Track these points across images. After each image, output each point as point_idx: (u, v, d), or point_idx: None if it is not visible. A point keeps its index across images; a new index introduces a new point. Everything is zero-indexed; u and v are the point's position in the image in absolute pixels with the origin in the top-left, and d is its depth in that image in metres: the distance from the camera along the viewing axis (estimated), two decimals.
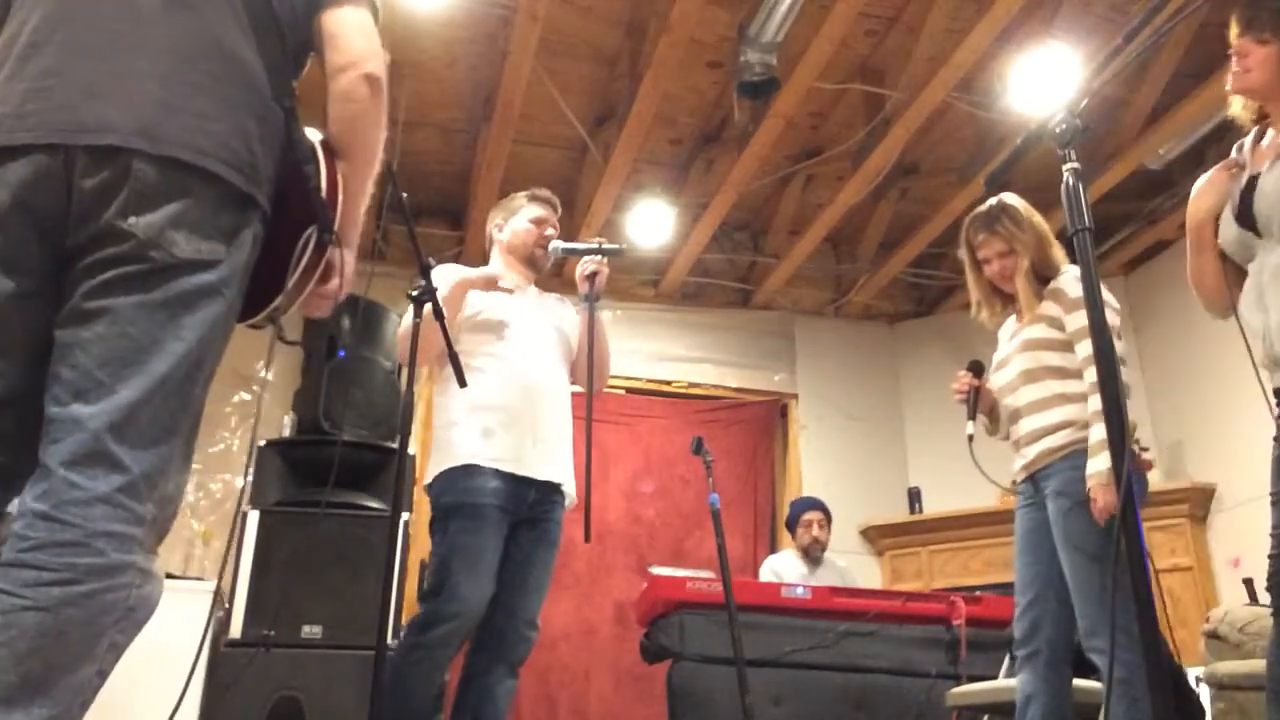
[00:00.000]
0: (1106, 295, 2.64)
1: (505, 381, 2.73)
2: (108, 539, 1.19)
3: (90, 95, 1.29)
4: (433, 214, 5.74)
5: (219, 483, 5.06)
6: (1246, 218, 2.14)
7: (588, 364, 2.87)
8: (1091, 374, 2.53)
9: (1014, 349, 2.79)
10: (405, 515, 4.32)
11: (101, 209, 1.26)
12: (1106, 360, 1.54)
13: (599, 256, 2.89)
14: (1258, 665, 2.58)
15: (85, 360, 1.23)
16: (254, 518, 4.14)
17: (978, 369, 2.87)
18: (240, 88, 1.39)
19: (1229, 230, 2.20)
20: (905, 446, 6.18)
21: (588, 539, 2.70)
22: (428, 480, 2.74)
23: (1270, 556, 2.09)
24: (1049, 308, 2.71)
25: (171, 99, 1.32)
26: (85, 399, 1.22)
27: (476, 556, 2.56)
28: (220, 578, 2.23)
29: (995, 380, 2.86)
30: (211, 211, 1.32)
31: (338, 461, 2.54)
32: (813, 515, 4.69)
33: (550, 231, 2.99)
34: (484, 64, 4.71)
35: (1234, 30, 2.20)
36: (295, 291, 1.49)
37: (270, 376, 5.23)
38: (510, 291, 2.81)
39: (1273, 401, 2.12)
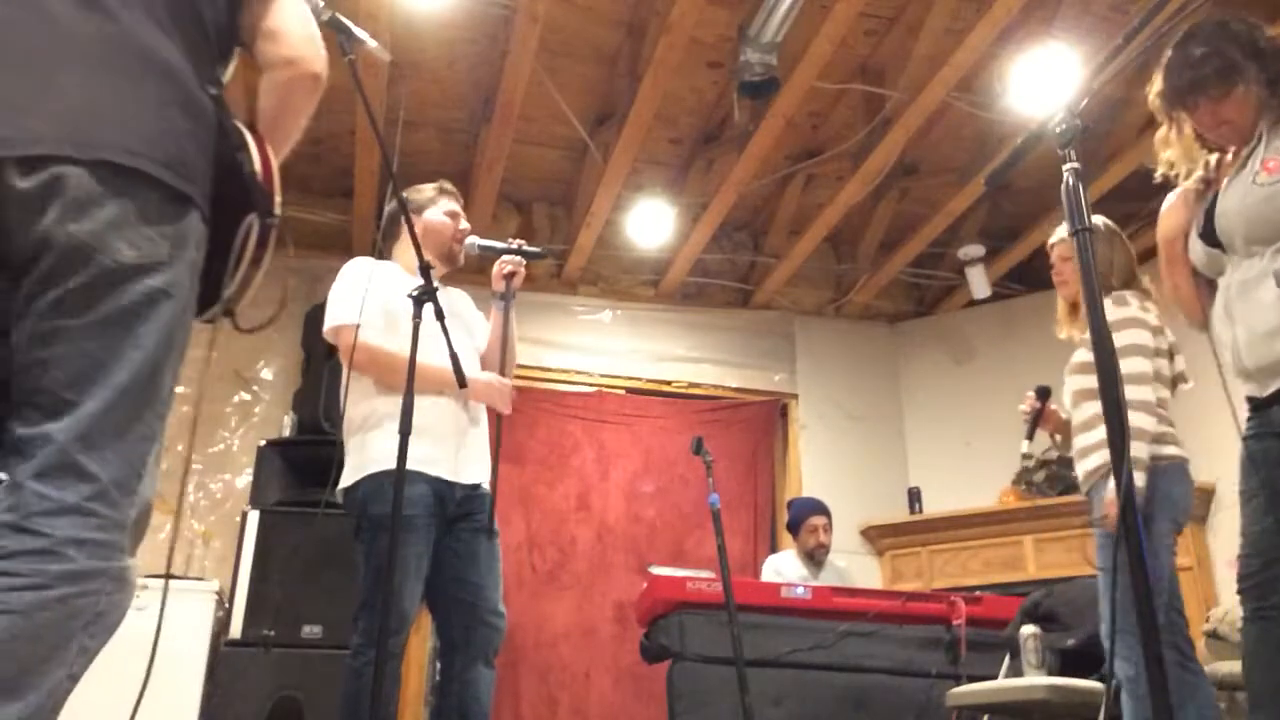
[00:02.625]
0: (1143, 315, 2.62)
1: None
2: (78, 546, 1.21)
3: (12, 109, 1.28)
4: None
5: (219, 483, 5.06)
6: (1210, 235, 2.20)
7: (501, 361, 2.86)
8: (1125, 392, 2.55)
9: (1068, 371, 2.85)
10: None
11: (38, 219, 1.25)
12: (1106, 369, 1.55)
13: (518, 258, 2.89)
14: None
15: (50, 383, 1.25)
16: (254, 518, 4.14)
17: (1044, 393, 2.96)
18: (163, 85, 1.39)
19: (1197, 248, 2.27)
20: (905, 446, 6.17)
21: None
22: (348, 483, 2.69)
23: (1240, 558, 2.11)
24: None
25: (96, 104, 1.32)
26: (55, 418, 1.25)
27: (408, 571, 2.56)
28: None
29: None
30: (150, 214, 1.32)
31: (338, 461, 2.55)
32: (818, 520, 4.68)
33: (465, 226, 2.97)
34: (484, 64, 4.71)
35: (1175, 110, 2.21)
36: (245, 281, 1.48)
37: (270, 376, 5.23)
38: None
39: (1242, 407, 2.17)
